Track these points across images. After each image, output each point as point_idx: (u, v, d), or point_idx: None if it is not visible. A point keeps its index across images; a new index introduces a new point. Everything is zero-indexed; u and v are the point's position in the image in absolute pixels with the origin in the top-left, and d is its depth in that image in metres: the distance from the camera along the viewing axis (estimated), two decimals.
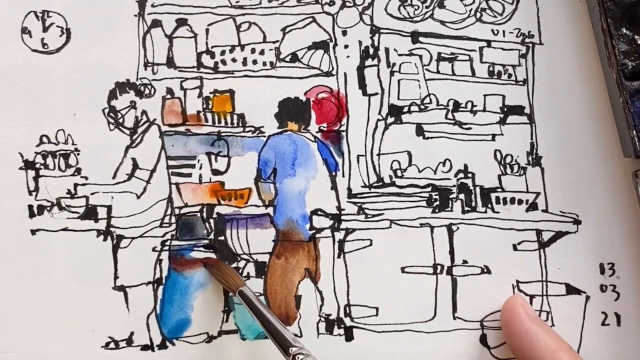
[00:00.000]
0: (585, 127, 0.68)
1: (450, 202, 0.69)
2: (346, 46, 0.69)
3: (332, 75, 0.69)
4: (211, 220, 0.68)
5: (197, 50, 0.69)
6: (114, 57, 0.69)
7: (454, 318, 0.68)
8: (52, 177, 0.68)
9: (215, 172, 0.68)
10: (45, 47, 0.68)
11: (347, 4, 0.69)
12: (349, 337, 0.68)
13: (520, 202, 0.69)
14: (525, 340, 0.63)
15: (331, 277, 0.68)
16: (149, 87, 0.69)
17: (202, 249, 0.68)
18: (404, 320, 0.68)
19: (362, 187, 0.68)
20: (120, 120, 0.68)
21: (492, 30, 0.69)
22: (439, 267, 0.68)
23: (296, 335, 0.67)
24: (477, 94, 0.69)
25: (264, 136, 0.68)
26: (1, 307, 0.67)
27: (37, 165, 0.68)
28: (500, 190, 0.69)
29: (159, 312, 0.67)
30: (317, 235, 0.68)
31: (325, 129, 0.69)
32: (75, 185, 0.68)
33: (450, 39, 0.69)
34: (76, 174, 0.68)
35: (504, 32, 0.69)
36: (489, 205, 0.69)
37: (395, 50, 0.69)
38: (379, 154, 0.68)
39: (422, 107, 0.69)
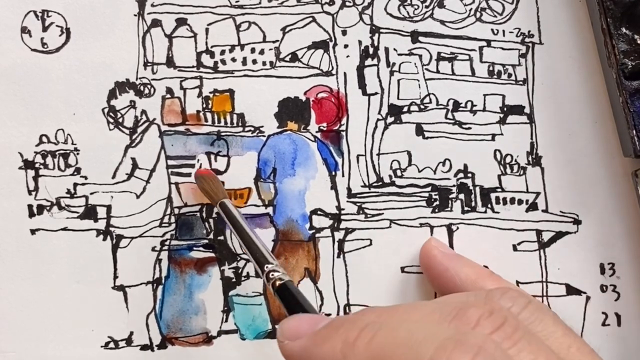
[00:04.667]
0: (585, 126, 0.68)
1: (450, 202, 0.69)
2: (346, 46, 0.69)
3: (331, 75, 0.69)
4: (211, 220, 0.68)
5: (196, 49, 0.69)
6: (114, 57, 0.69)
7: None
8: (51, 176, 0.68)
9: (215, 171, 0.68)
10: (45, 46, 0.68)
11: (347, 3, 0.69)
12: None
13: (520, 202, 0.68)
14: (447, 279, 0.63)
15: (331, 276, 0.68)
16: (149, 86, 0.69)
17: (201, 248, 0.68)
18: None
19: (361, 186, 0.68)
20: (120, 120, 0.68)
21: (492, 30, 0.69)
22: None
23: None
24: (477, 93, 0.69)
25: (264, 136, 0.68)
26: (0, 307, 0.67)
27: (37, 165, 0.68)
28: (500, 190, 0.69)
29: (159, 312, 0.67)
30: (317, 235, 0.68)
31: (325, 129, 0.69)
32: (75, 184, 0.68)
33: (450, 39, 0.69)
34: (76, 173, 0.68)
35: (503, 31, 0.69)
36: (489, 205, 0.69)
37: (395, 49, 0.69)
38: (378, 154, 0.68)
39: (422, 106, 0.69)
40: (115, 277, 0.68)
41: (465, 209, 0.69)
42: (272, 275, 0.58)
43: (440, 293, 0.65)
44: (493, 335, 0.44)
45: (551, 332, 0.49)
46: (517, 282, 0.68)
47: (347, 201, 0.68)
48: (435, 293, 0.67)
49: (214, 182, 0.67)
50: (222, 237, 0.68)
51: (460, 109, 0.69)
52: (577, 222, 0.68)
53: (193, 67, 0.69)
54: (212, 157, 0.68)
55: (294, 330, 0.50)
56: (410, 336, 0.43)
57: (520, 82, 0.69)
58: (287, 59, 0.69)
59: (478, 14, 0.69)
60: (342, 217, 0.68)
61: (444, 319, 0.46)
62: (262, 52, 0.69)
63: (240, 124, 0.68)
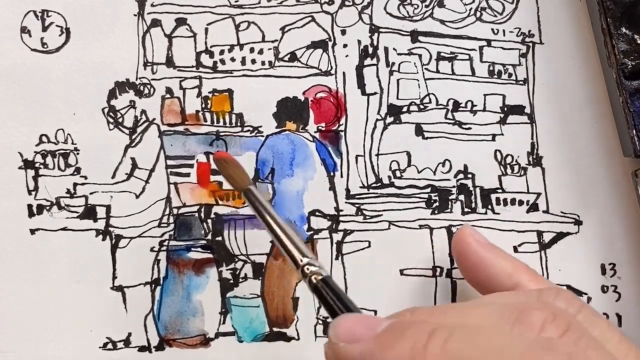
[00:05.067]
0: (586, 126, 0.68)
1: (449, 203, 0.68)
2: (345, 45, 0.69)
3: (330, 75, 0.69)
4: (209, 221, 0.68)
5: (196, 49, 0.69)
6: (114, 57, 0.69)
7: None
8: (51, 176, 0.68)
9: (214, 172, 0.68)
10: (45, 46, 0.68)
11: (347, 3, 0.69)
12: None
13: (520, 203, 0.68)
14: (481, 269, 0.61)
15: None
16: (149, 86, 0.69)
17: (199, 249, 0.68)
18: None
19: (360, 187, 0.68)
20: (120, 120, 0.68)
21: (492, 30, 0.69)
22: (438, 269, 0.68)
23: (293, 338, 0.67)
24: (477, 93, 0.69)
25: (262, 136, 0.68)
26: (0, 307, 0.67)
27: (37, 165, 0.68)
28: (500, 191, 0.68)
29: (157, 313, 0.67)
30: (315, 237, 0.68)
31: (323, 129, 0.68)
32: (75, 184, 0.68)
33: (450, 38, 0.69)
34: (75, 173, 0.68)
35: (504, 31, 0.69)
36: (489, 207, 0.68)
37: (394, 49, 0.69)
38: (377, 154, 0.68)
39: (422, 106, 0.68)
40: (114, 277, 0.68)
41: (465, 210, 0.68)
42: (308, 269, 0.54)
43: (474, 284, 0.63)
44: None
45: (608, 338, 0.47)
46: None
47: (346, 202, 0.68)
48: (435, 291, 0.67)
49: (238, 167, 0.64)
50: (219, 238, 0.68)
51: (460, 109, 0.68)
52: (578, 222, 0.68)
53: (192, 67, 0.69)
54: (211, 157, 0.68)
55: (350, 332, 0.47)
56: (490, 341, 0.42)
57: (521, 82, 0.69)
58: (286, 58, 0.69)
59: (478, 14, 0.69)
60: (341, 218, 0.68)
61: (506, 322, 0.45)
62: (261, 51, 0.69)
63: (239, 124, 0.68)
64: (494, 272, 0.60)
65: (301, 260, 0.55)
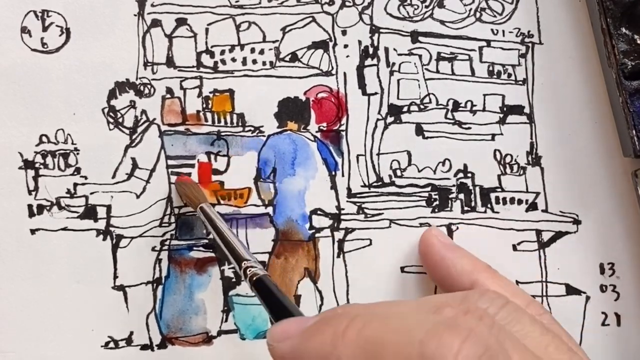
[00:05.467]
0: (585, 126, 0.68)
1: (449, 202, 0.69)
2: (346, 46, 0.69)
3: (331, 75, 0.69)
4: None
5: (196, 49, 0.69)
6: (114, 57, 0.69)
7: None
8: (51, 176, 0.68)
9: (215, 171, 0.68)
10: (45, 46, 0.68)
11: (347, 3, 0.69)
12: None
13: (520, 202, 0.69)
14: (443, 268, 0.64)
15: (331, 276, 0.68)
16: (149, 86, 0.69)
17: (201, 248, 0.68)
18: None
19: (361, 186, 0.68)
20: (120, 120, 0.68)
21: (492, 30, 0.69)
22: None
23: None
24: (477, 93, 0.69)
25: (264, 136, 0.68)
26: (0, 307, 0.67)
27: (37, 165, 0.68)
28: (499, 190, 0.69)
29: (158, 312, 0.67)
30: (317, 235, 0.68)
31: (324, 129, 0.69)
32: (75, 184, 0.68)
33: (449, 39, 0.69)
34: (75, 173, 0.68)
35: (503, 31, 0.69)
36: (489, 205, 0.69)
37: (394, 49, 0.69)
38: (378, 154, 0.68)
39: (422, 106, 0.69)
40: (115, 277, 0.67)
41: (465, 209, 0.69)
42: (249, 270, 0.59)
43: (437, 282, 0.66)
44: None
45: (529, 332, 0.48)
46: (517, 282, 0.68)
47: (347, 201, 0.68)
48: (435, 288, 0.68)
49: (195, 187, 0.67)
50: None
51: (460, 109, 0.69)
52: (576, 222, 0.68)
53: (193, 67, 0.69)
54: (212, 157, 0.68)
55: (283, 332, 0.51)
56: (401, 323, 0.44)
57: (520, 82, 0.69)
58: (287, 59, 0.69)
59: (478, 14, 0.69)
60: (342, 217, 0.68)
61: (422, 314, 0.47)
62: (262, 52, 0.69)
63: (240, 124, 0.68)
64: (454, 271, 0.63)
65: (244, 263, 0.60)
